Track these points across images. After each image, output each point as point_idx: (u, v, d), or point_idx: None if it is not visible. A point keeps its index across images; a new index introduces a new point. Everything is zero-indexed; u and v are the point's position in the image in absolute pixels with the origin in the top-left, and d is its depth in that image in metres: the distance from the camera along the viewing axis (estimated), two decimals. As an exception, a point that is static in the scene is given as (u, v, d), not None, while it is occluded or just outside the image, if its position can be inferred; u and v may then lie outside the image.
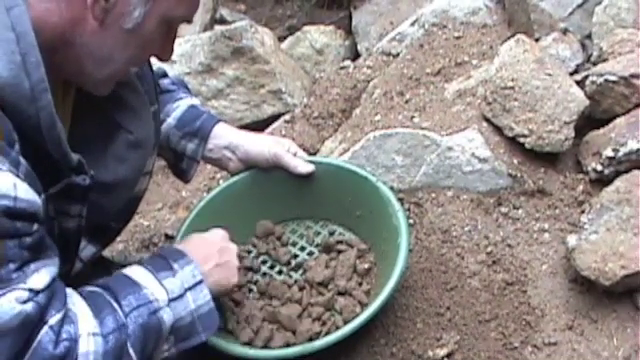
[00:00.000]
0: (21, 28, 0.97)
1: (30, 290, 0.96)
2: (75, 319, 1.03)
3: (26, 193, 0.95)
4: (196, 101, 1.58)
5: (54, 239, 1.07)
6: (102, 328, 1.04)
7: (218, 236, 1.32)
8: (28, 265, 0.97)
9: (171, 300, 1.14)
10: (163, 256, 1.22)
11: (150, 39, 1.11)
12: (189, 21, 1.16)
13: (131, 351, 1.07)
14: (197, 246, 1.27)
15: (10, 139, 0.95)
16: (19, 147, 0.97)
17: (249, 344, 1.33)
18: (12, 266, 0.95)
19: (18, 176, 0.95)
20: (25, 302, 0.95)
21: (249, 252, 1.57)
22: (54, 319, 0.99)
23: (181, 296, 1.15)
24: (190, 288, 1.17)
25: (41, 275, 0.99)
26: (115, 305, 1.08)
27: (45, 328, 0.98)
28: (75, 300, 1.06)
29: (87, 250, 1.30)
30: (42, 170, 1.01)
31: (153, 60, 1.33)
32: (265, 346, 1.33)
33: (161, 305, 1.12)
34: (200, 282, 1.19)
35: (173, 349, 1.17)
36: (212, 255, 1.25)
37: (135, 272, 1.17)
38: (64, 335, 1.00)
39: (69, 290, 1.07)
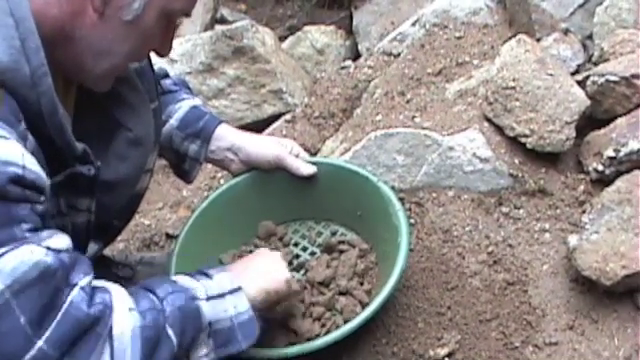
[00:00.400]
0: (20, 14, 0.97)
1: (48, 248, 0.93)
2: (110, 291, 1.00)
3: (34, 165, 0.94)
4: (198, 102, 1.59)
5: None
6: (139, 305, 1.02)
7: (263, 251, 1.31)
8: (41, 230, 0.95)
9: (209, 297, 1.11)
10: (197, 270, 1.19)
11: (150, 33, 1.11)
12: (188, 15, 1.16)
13: (170, 332, 1.03)
14: (237, 263, 1.27)
15: (17, 115, 0.95)
16: (25, 126, 0.96)
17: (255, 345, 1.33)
18: (25, 226, 0.92)
19: (25, 148, 0.94)
20: (44, 255, 0.92)
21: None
22: (84, 281, 0.97)
23: (221, 296, 1.12)
24: (230, 292, 1.14)
25: (58, 238, 0.96)
26: (149, 293, 1.06)
27: (76, 289, 0.95)
28: (105, 282, 1.04)
29: (90, 248, 1.30)
30: (46, 158, 1.01)
31: (154, 60, 1.34)
32: (268, 346, 1.33)
33: (199, 295, 1.10)
34: (239, 289, 1.15)
35: (212, 354, 1.11)
36: (251, 266, 1.23)
37: (169, 276, 1.16)
38: (98, 299, 0.97)
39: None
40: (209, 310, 1.10)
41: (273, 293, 1.20)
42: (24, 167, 0.92)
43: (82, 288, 0.96)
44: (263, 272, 1.21)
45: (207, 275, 1.16)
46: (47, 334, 0.91)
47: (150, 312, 1.02)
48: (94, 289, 0.98)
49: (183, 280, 1.13)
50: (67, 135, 1.04)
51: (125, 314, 0.99)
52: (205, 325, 1.10)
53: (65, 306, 0.93)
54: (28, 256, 0.90)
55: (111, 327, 0.97)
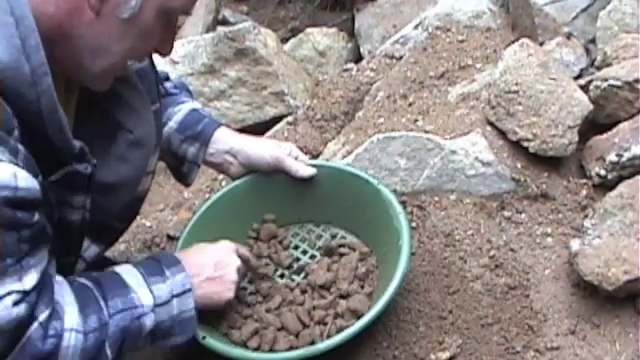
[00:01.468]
0: (20, 12, 0.97)
1: (23, 292, 0.99)
2: (62, 314, 1.06)
3: (26, 181, 0.96)
4: (198, 105, 1.59)
5: (53, 228, 1.08)
6: (85, 326, 1.08)
7: (223, 248, 1.33)
8: (25, 259, 0.99)
9: (156, 305, 1.17)
10: (158, 260, 1.24)
11: (149, 31, 1.11)
12: (188, 13, 1.16)
13: (108, 351, 1.11)
14: (195, 255, 1.29)
15: (9, 126, 0.96)
16: (18, 134, 0.97)
17: (255, 349, 1.33)
18: (9, 261, 0.97)
19: (17, 164, 0.95)
20: (17, 303, 0.98)
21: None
22: (43, 315, 1.02)
23: (167, 302, 1.18)
24: (177, 295, 1.20)
25: (32, 273, 1.01)
26: (102, 303, 1.11)
27: (35, 324, 1.01)
28: (65, 292, 1.09)
29: (91, 250, 1.30)
30: (43, 157, 1.01)
31: (155, 61, 1.33)
32: (270, 350, 1.33)
33: (145, 311, 1.15)
34: (189, 290, 1.21)
35: (148, 346, 1.20)
36: (206, 266, 1.27)
37: (127, 273, 1.19)
38: (51, 332, 1.03)
39: (60, 279, 1.10)
40: (152, 320, 1.16)
41: (211, 305, 1.28)
42: (16, 188, 0.95)
43: (40, 323, 1.02)
44: (216, 281, 1.27)
45: (162, 274, 1.20)
46: None
47: (93, 334, 1.09)
48: (50, 318, 1.03)
49: (136, 287, 1.16)
50: (66, 133, 1.04)
51: (71, 337, 1.06)
52: (145, 334, 1.16)
53: (23, 341, 1.01)
54: (7, 311, 0.98)
55: (58, 352, 1.05)
